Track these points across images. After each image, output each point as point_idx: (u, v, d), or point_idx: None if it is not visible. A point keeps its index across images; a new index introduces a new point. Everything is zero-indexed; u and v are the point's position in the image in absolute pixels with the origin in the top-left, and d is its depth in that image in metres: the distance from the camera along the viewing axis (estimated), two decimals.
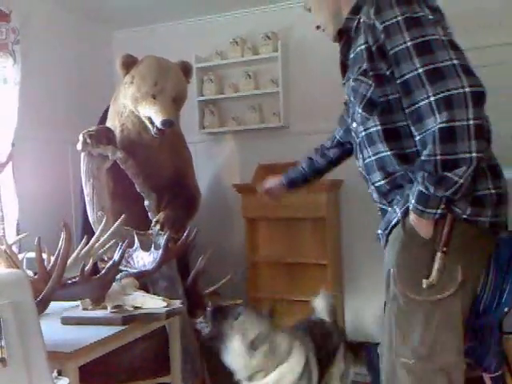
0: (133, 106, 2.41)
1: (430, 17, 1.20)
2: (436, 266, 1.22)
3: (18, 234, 2.46)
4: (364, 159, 1.41)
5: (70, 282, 1.47)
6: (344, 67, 1.44)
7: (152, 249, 2.11)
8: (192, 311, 2.41)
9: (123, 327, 1.61)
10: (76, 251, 1.77)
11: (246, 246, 3.14)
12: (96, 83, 3.24)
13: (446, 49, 1.16)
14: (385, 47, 1.23)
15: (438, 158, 1.14)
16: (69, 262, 1.66)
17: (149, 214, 2.41)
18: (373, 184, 1.40)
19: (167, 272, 2.31)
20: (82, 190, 2.47)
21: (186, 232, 2.11)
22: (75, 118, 3.01)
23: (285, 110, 3.09)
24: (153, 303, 1.74)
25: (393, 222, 1.33)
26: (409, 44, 1.18)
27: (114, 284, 1.80)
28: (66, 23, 3.14)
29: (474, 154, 1.12)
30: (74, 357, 1.37)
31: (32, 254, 1.70)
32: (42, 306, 1.39)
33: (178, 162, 2.66)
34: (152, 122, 2.37)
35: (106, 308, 1.71)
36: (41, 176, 2.80)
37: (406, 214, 1.27)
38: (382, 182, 1.35)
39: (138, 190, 2.36)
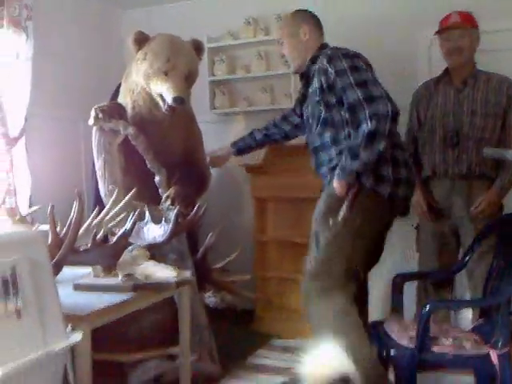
0: (144, 83, 2.42)
1: (364, 67, 1.90)
2: (341, 213, 1.85)
3: (30, 208, 2.50)
4: (318, 160, 2.05)
5: (81, 249, 1.50)
6: (304, 97, 2.14)
7: (162, 222, 2.14)
8: (201, 285, 2.44)
9: (134, 294, 1.64)
10: (87, 221, 1.80)
11: (254, 225, 3.16)
12: (107, 62, 3.26)
13: (375, 85, 1.86)
14: (335, 84, 1.89)
15: (360, 147, 1.80)
16: (80, 231, 1.69)
17: (159, 189, 2.43)
18: (322, 177, 2.05)
19: (177, 246, 2.34)
20: (94, 165, 2.50)
21: (196, 207, 2.13)
22: (87, 95, 3.03)
23: (296, 92, 3.08)
24: (163, 272, 1.77)
25: (325, 184, 1.99)
26: (352, 82, 1.85)
27: (125, 254, 1.83)
28: (78, 2, 3.15)
29: (379, 149, 1.80)
30: (86, 319, 1.39)
31: (45, 227, 1.73)
32: (54, 270, 1.42)
33: (189, 140, 2.67)
34: (163, 99, 2.38)
35: (117, 276, 1.74)
36: (53, 151, 2.83)
37: (331, 179, 1.91)
38: (326, 168, 2.00)
39: (149, 165, 2.38)
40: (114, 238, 1.60)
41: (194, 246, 2.58)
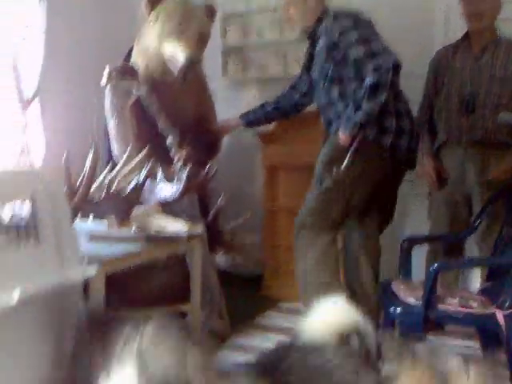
0: (157, 45, 2.41)
1: (366, 24, 2.03)
2: (346, 162, 2.00)
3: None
4: (326, 117, 2.23)
5: (95, 201, 1.53)
6: (311, 56, 2.26)
7: (174, 182, 2.17)
8: (212, 247, 2.48)
9: (147, 246, 1.67)
10: (101, 176, 1.82)
11: (264, 193, 3.17)
12: (120, 24, 3.22)
13: (377, 40, 1.98)
14: (340, 41, 2.00)
15: (363, 99, 1.93)
16: (93, 186, 1.73)
17: (171, 151, 2.45)
18: (329, 127, 2.22)
19: (188, 207, 2.37)
20: (106, 127, 2.52)
21: (207, 167, 2.15)
22: (99, 57, 3.02)
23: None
24: (175, 226, 1.80)
25: (331, 133, 2.16)
26: (356, 39, 1.97)
27: (138, 209, 1.87)
28: None
29: (380, 100, 1.91)
30: (100, 266, 1.43)
31: None
32: None
33: (200, 104, 2.67)
34: (175, 61, 2.38)
35: (130, 228, 1.78)
36: (66, 113, 2.84)
37: (337, 131, 2.06)
38: (335, 126, 2.12)
39: (160, 127, 2.40)
40: (127, 190, 1.63)
41: (204, 210, 2.61)
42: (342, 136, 2.00)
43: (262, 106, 2.57)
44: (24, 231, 0.90)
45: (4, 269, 0.85)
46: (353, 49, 1.97)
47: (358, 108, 1.95)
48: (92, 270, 1.04)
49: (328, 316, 1.15)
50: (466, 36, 2.39)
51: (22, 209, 0.89)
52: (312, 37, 2.22)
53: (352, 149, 1.98)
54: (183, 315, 2.27)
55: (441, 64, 2.43)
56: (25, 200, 0.90)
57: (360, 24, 2.01)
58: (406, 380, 0.91)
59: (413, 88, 2.46)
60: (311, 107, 2.81)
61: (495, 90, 2.27)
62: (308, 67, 2.33)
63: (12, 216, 0.90)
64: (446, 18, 2.80)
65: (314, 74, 2.23)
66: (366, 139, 2.01)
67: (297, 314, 2.78)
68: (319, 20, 2.16)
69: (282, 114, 2.58)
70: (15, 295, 0.83)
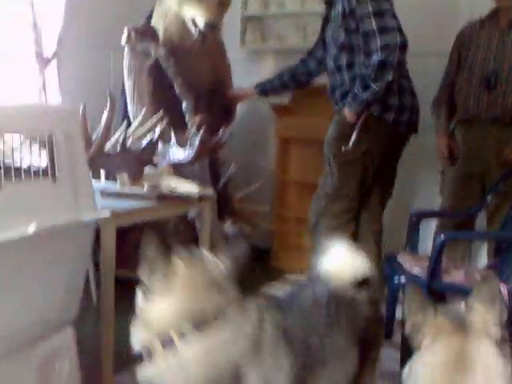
0: (177, 8, 2.41)
1: None
2: (353, 138, 2.05)
3: None
4: (332, 82, 2.25)
5: (111, 152, 1.55)
6: (326, 20, 2.27)
7: (187, 146, 2.18)
8: (221, 215, 2.51)
9: (158, 203, 1.70)
10: (116, 134, 1.85)
11: (276, 165, 3.18)
12: None
13: (391, 16, 1.96)
14: (355, 11, 2.00)
15: (370, 77, 1.97)
16: (108, 143, 1.75)
17: (186, 116, 2.46)
18: (334, 98, 2.24)
19: (199, 172, 2.39)
20: (123, 89, 2.54)
21: (221, 132, 2.16)
22: (119, 21, 3.03)
23: None
24: (186, 187, 1.83)
25: (336, 110, 2.19)
26: (370, 11, 1.96)
27: (150, 169, 1.90)
28: None
29: (388, 79, 1.95)
30: (112, 217, 1.47)
31: None
32: None
33: (217, 71, 2.67)
34: (195, 24, 2.37)
35: (142, 187, 1.81)
36: (83, 74, 2.87)
37: (343, 106, 2.11)
38: (340, 95, 2.18)
39: (177, 91, 2.40)
40: (143, 145, 1.65)
41: (215, 178, 2.63)
42: (349, 113, 2.05)
43: (279, 75, 2.58)
44: (41, 169, 0.93)
45: (22, 204, 0.88)
46: (365, 21, 1.98)
47: (364, 86, 1.99)
48: (106, 212, 1.07)
49: (341, 259, 1.20)
50: (494, 12, 2.35)
51: (39, 146, 0.92)
52: (329, 1, 2.22)
53: (358, 125, 2.03)
54: None
55: (466, 39, 2.40)
56: (42, 136, 0.92)
57: None
58: (430, 329, 0.94)
59: (436, 66, 2.44)
60: (322, 79, 2.81)
61: None
62: (324, 25, 2.31)
63: (30, 153, 0.93)
64: None
65: (327, 38, 2.25)
66: (371, 116, 2.06)
67: None
68: None
69: (298, 83, 2.59)
70: (32, 228, 0.87)
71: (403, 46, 1.94)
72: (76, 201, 0.96)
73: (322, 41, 2.37)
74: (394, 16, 1.99)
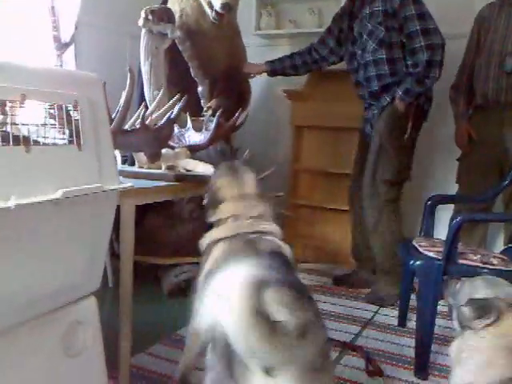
0: None
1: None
2: (408, 128, 2.27)
3: None
4: (366, 74, 2.38)
5: (130, 129, 1.56)
6: (352, 14, 2.45)
7: (203, 130, 2.19)
8: None
9: (176, 183, 1.71)
10: (135, 115, 1.86)
11: (291, 152, 3.18)
12: None
13: (431, 18, 2.19)
14: (398, 12, 2.20)
15: (422, 73, 2.19)
16: (127, 124, 1.76)
17: (201, 100, 2.46)
18: (370, 89, 2.40)
19: (215, 157, 2.40)
20: (139, 73, 2.55)
21: (237, 114, 2.16)
22: (136, 7, 3.04)
23: None
24: (204, 168, 1.84)
25: (384, 104, 2.34)
26: (414, 13, 2.18)
27: (168, 149, 1.91)
28: None
29: (436, 76, 2.19)
30: (131, 193, 1.48)
31: None
32: None
33: (233, 55, 2.67)
34: (211, 6, 2.37)
35: (160, 168, 1.83)
36: (100, 60, 2.88)
37: (392, 100, 2.29)
38: (377, 88, 2.36)
39: (193, 74, 2.41)
40: (161, 122, 1.66)
41: None
42: (402, 104, 2.25)
43: (291, 56, 2.67)
44: (67, 135, 0.94)
45: (48, 170, 0.90)
46: (409, 22, 2.17)
47: (418, 82, 2.20)
48: (128, 183, 1.08)
49: None
50: None
51: (64, 112, 0.93)
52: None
53: (411, 116, 2.25)
54: None
55: (485, 21, 2.36)
56: (68, 102, 0.93)
57: None
58: (468, 309, 1.00)
59: (455, 50, 2.41)
60: (341, 66, 2.79)
61: None
62: (346, 25, 2.45)
63: (55, 119, 0.94)
64: None
65: (356, 32, 2.38)
66: (418, 106, 2.28)
67: (314, 273, 2.85)
68: None
69: (309, 69, 2.71)
70: (58, 194, 0.88)
71: (443, 45, 2.16)
72: (100, 170, 0.97)
73: (337, 32, 2.53)
74: (432, 17, 2.18)
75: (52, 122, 0.90)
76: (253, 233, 1.25)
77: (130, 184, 1.07)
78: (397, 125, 2.29)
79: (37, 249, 0.89)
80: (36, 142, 0.88)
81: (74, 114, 0.93)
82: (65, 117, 0.91)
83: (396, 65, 2.29)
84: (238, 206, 1.30)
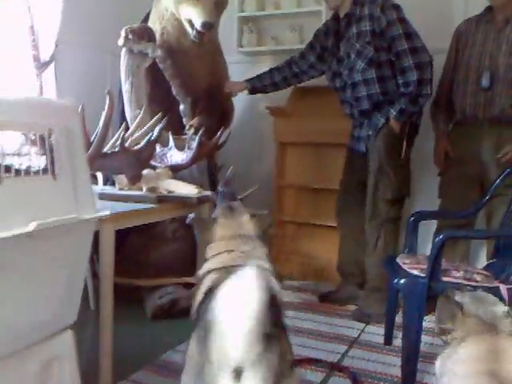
0: (174, 8, 2.41)
1: (406, 18, 2.25)
2: (403, 146, 2.32)
3: None
4: (355, 94, 2.39)
5: (109, 152, 1.54)
6: (338, 34, 2.45)
7: (185, 149, 2.17)
8: None
9: (157, 206, 1.69)
10: (115, 136, 1.84)
11: (275, 169, 3.17)
12: None
13: (417, 36, 2.23)
14: (386, 32, 2.23)
15: (415, 93, 2.22)
16: (107, 146, 1.74)
17: (183, 119, 2.45)
18: (360, 108, 2.41)
19: (198, 176, 2.38)
20: (120, 92, 2.53)
21: (219, 132, 2.15)
22: (116, 25, 3.03)
23: None
24: (185, 189, 1.82)
25: (379, 126, 2.35)
26: (401, 32, 2.21)
27: (149, 172, 1.88)
28: None
29: (428, 93, 2.25)
30: (111, 219, 1.45)
31: None
32: None
33: (215, 73, 2.67)
34: (192, 25, 2.37)
35: (141, 189, 1.80)
36: (80, 78, 2.86)
37: (387, 120, 2.31)
38: (368, 107, 2.38)
39: (174, 92, 2.40)
40: (141, 144, 1.64)
41: (212, 182, 2.62)
42: (397, 124, 2.28)
43: (270, 72, 2.68)
44: (41, 166, 0.91)
45: (21, 201, 0.87)
46: (397, 41, 2.21)
47: (411, 101, 2.23)
48: (105, 211, 1.06)
49: None
50: (489, 9, 2.34)
51: (38, 142, 0.90)
52: (349, 16, 2.36)
53: (405, 135, 2.30)
54: (188, 286, 2.29)
55: (462, 36, 2.40)
56: (42, 131, 0.91)
57: (404, 18, 2.24)
58: (459, 333, 1.00)
59: (436, 65, 2.44)
60: (323, 82, 2.81)
61: None
62: (331, 44, 2.47)
63: (29, 150, 0.92)
64: None
65: (343, 52, 2.39)
66: (411, 124, 2.33)
67: (301, 291, 2.83)
68: (356, 2, 2.33)
69: (288, 82, 2.71)
70: (32, 225, 0.85)
71: (431, 62, 2.21)
72: (76, 199, 0.95)
73: (319, 49, 2.55)
74: (419, 35, 2.23)
75: (26, 151, 0.87)
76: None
77: (106, 212, 1.05)
78: (394, 144, 2.31)
79: (9, 284, 0.86)
80: (8, 173, 0.85)
81: (49, 143, 0.90)
82: (39, 146, 0.89)
83: (386, 83, 2.31)
84: (232, 243, 1.39)
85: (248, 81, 2.69)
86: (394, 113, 2.26)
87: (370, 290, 2.41)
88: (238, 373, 0.89)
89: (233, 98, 2.87)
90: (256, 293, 0.87)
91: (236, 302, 0.88)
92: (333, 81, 2.51)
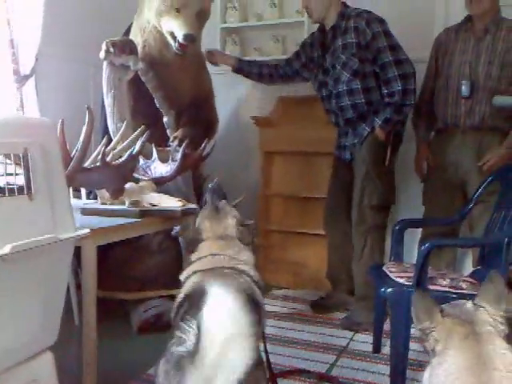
0: (156, 20, 2.40)
1: (390, 32, 2.31)
2: (388, 154, 2.35)
3: None
4: (340, 103, 2.44)
5: (91, 166, 1.52)
6: (324, 46, 2.50)
7: (169, 161, 2.16)
8: None
9: (140, 220, 1.67)
10: (97, 150, 1.82)
11: (261, 179, 3.17)
12: (119, 3, 3.20)
13: (401, 48, 2.30)
14: (371, 44, 2.29)
15: (399, 102, 2.28)
16: (88, 161, 1.72)
17: (167, 130, 2.44)
18: (345, 117, 2.46)
19: (183, 187, 2.36)
20: (102, 105, 2.51)
21: (203, 144, 2.14)
22: (98, 37, 3.01)
23: None
24: (169, 202, 1.80)
25: (365, 135, 2.40)
26: (385, 45, 2.27)
27: (132, 185, 1.86)
28: None
29: (412, 103, 2.31)
30: (93, 234, 1.43)
31: None
32: None
33: (198, 84, 2.66)
34: (174, 37, 2.36)
35: (123, 203, 1.78)
36: (62, 91, 2.83)
37: (372, 129, 2.36)
38: (353, 116, 2.42)
39: (158, 105, 2.38)
40: (123, 158, 1.62)
41: (198, 194, 2.60)
42: (382, 133, 2.32)
43: (260, 64, 2.76)
44: (17, 186, 0.89)
45: None
46: (382, 54, 2.27)
47: (396, 111, 2.29)
48: (85, 230, 1.04)
49: None
50: (469, 18, 2.37)
51: (13, 161, 0.88)
52: (334, 29, 2.41)
53: (390, 143, 2.34)
54: (174, 299, 2.26)
55: (442, 45, 2.43)
56: (17, 150, 0.89)
57: (389, 31, 2.30)
58: (440, 334, 0.99)
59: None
60: (307, 91, 2.83)
61: (494, 74, 2.25)
62: (317, 55, 2.52)
63: (5, 171, 0.90)
64: (446, 1, 2.80)
65: (329, 63, 2.43)
66: (396, 132, 2.37)
67: (288, 300, 2.81)
68: (342, 14, 2.38)
69: (273, 81, 2.79)
70: (7, 249, 0.83)
71: (415, 73, 2.27)
72: (54, 219, 0.93)
73: (304, 59, 2.61)
74: (402, 48, 2.29)
75: (0, 172, 0.85)
76: (228, 268, 1.29)
77: (86, 230, 1.03)
78: (379, 152, 2.35)
79: None
80: None
81: (24, 163, 0.88)
82: (14, 166, 0.87)
83: (371, 94, 2.36)
84: (217, 245, 1.39)
85: (237, 59, 2.75)
86: (380, 122, 2.31)
87: (358, 299, 2.41)
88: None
89: (217, 108, 2.86)
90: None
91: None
92: (319, 90, 2.54)
